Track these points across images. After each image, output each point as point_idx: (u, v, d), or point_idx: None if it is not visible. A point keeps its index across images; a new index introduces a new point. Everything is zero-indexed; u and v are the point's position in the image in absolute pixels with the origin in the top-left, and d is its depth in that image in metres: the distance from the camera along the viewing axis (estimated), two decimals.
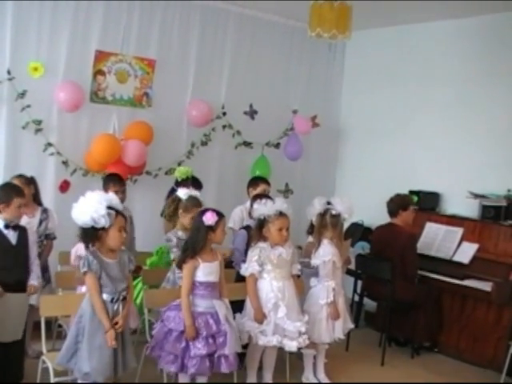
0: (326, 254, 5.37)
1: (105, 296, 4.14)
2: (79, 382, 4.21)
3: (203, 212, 4.70)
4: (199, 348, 4.56)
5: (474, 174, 6.92)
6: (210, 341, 4.60)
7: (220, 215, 4.68)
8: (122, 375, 4.36)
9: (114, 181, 5.88)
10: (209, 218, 4.60)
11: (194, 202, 5.41)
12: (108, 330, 4.08)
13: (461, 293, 6.49)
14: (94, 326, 4.09)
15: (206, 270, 4.65)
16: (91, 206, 4.04)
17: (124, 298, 4.24)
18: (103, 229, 4.08)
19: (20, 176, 5.39)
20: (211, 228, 4.62)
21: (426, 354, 6.67)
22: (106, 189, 5.55)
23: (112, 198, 4.25)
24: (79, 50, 6.34)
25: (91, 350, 4.05)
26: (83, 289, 4.53)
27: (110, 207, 4.13)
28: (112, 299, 4.16)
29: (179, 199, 5.51)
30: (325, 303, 5.37)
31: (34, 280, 4.77)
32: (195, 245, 4.64)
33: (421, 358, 6.59)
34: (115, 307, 4.17)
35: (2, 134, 6.05)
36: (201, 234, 4.64)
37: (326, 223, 5.40)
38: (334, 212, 5.38)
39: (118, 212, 4.18)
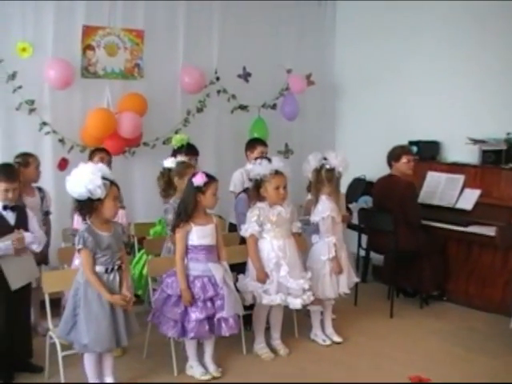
0: (324, 209, 5.37)
1: (99, 268, 4.18)
2: (87, 355, 4.28)
3: (194, 174, 4.71)
4: (197, 312, 4.60)
5: (473, 120, 6.85)
6: (208, 304, 4.64)
7: (211, 178, 4.68)
8: (128, 344, 4.43)
9: (99, 150, 5.97)
10: (197, 179, 4.59)
11: (184, 165, 5.44)
12: (109, 298, 4.12)
13: (466, 239, 6.48)
14: (89, 298, 4.14)
15: (200, 233, 4.66)
16: (86, 177, 4.03)
17: (119, 268, 4.27)
18: (99, 200, 4.08)
19: (21, 155, 5.44)
20: (200, 190, 4.61)
21: (434, 303, 6.69)
22: (90, 160, 5.57)
23: (103, 168, 4.24)
24: (66, 26, 6.30)
25: (88, 322, 4.11)
26: (77, 261, 4.57)
27: (103, 177, 4.12)
28: (106, 269, 4.19)
29: (168, 170, 5.51)
30: (327, 259, 5.39)
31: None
32: (186, 207, 4.64)
33: (430, 307, 6.61)
34: (111, 277, 4.20)
35: None
36: (190, 195, 4.64)
37: (322, 178, 5.39)
38: (328, 166, 5.37)
39: (111, 182, 4.18)
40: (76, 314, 4.16)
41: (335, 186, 5.46)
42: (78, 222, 4.94)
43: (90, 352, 4.25)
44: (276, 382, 4.71)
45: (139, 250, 5.99)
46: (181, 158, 5.58)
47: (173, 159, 5.51)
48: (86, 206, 4.13)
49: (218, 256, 4.79)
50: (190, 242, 4.66)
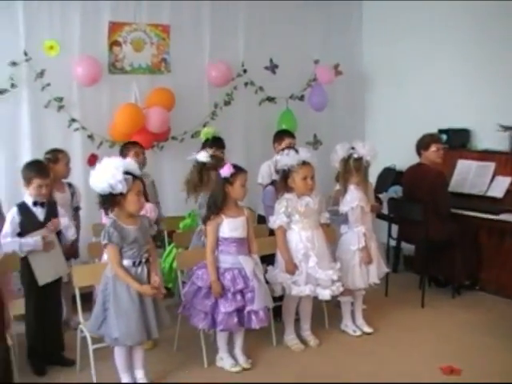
0: (353, 199, 5.35)
1: (126, 262, 4.20)
2: (118, 348, 4.33)
3: (222, 166, 4.72)
4: (226, 304, 4.62)
5: (503, 107, 6.74)
6: (238, 297, 4.65)
7: (238, 169, 4.67)
8: (159, 336, 4.45)
9: (133, 144, 5.96)
10: (225, 170, 4.61)
11: (217, 159, 5.43)
12: (139, 288, 4.14)
13: (498, 228, 6.39)
14: (118, 292, 4.17)
15: (231, 226, 4.67)
16: (108, 172, 4.05)
17: (147, 261, 4.29)
18: (121, 194, 4.10)
19: (51, 151, 5.50)
20: (228, 181, 4.62)
21: (466, 293, 6.62)
22: (124, 155, 5.60)
23: (129, 163, 4.25)
24: (92, 23, 6.37)
25: (118, 316, 4.14)
26: (106, 256, 4.61)
27: (126, 172, 4.13)
28: (134, 263, 4.22)
29: (203, 164, 5.51)
30: (356, 249, 5.37)
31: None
32: (215, 199, 4.66)
33: (461, 297, 6.54)
34: (139, 270, 4.22)
35: (25, 114, 6.15)
36: (219, 187, 4.66)
37: (350, 168, 5.36)
38: (356, 156, 5.34)
39: (135, 176, 4.19)
40: (106, 309, 4.19)
41: (363, 175, 5.43)
42: (106, 217, 4.97)
43: (120, 345, 4.28)
44: (301, 383, 4.67)
45: (169, 243, 6.02)
46: (207, 151, 5.56)
47: (205, 153, 5.48)
48: (108, 201, 4.15)
49: (248, 249, 4.80)
50: (221, 235, 4.67)
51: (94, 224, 5.85)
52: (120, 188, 4.06)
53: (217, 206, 4.64)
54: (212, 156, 5.47)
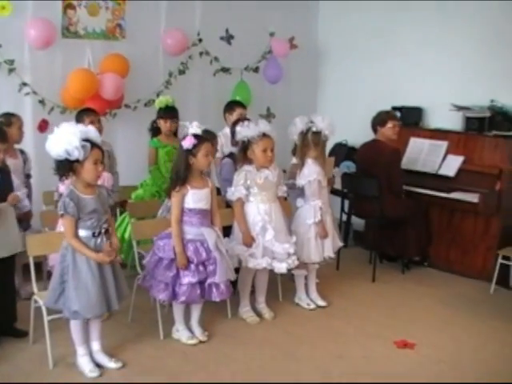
0: (310, 173, 5.34)
1: (85, 232, 4.08)
2: (74, 320, 4.22)
3: (183, 137, 4.62)
4: (189, 276, 4.57)
5: (457, 87, 6.85)
6: (201, 268, 4.61)
7: (200, 139, 4.59)
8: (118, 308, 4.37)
9: (87, 112, 5.77)
10: (186, 142, 4.52)
11: (210, 135, 5.27)
12: (95, 257, 4.04)
13: (448, 206, 6.51)
14: (77, 264, 4.06)
15: (196, 197, 4.60)
16: (65, 137, 3.92)
17: (106, 231, 4.20)
18: (78, 161, 3.98)
19: (3, 115, 5.33)
20: (191, 152, 4.54)
21: (416, 269, 6.75)
22: (79, 123, 5.42)
23: (89, 130, 4.12)
24: None
25: (78, 288, 4.04)
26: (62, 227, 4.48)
27: (85, 139, 4.01)
28: (93, 233, 4.11)
29: (195, 135, 5.31)
30: (312, 223, 5.37)
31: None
32: (178, 170, 4.57)
33: (411, 272, 6.66)
34: (98, 241, 4.12)
35: None
36: (181, 158, 4.58)
37: (308, 142, 5.35)
38: (315, 129, 5.33)
39: (93, 144, 4.06)
40: (64, 281, 4.08)
41: (321, 149, 5.42)
42: (63, 185, 4.84)
43: (80, 319, 4.18)
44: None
45: (121, 213, 5.93)
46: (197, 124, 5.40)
47: (197, 126, 5.28)
48: (64, 167, 4.00)
49: (211, 221, 4.75)
50: (186, 206, 4.60)
51: (44, 192, 5.72)
52: (76, 155, 3.93)
53: (180, 178, 4.56)
54: (204, 131, 5.32)
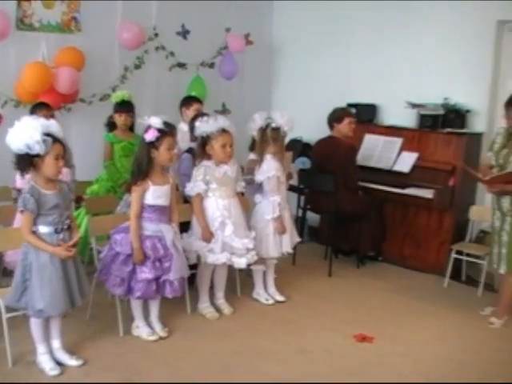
0: (269, 169, 5.36)
1: (47, 228, 4.01)
2: (34, 318, 4.15)
3: (146, 130, 4.57)
4: (146, 272, 4.54)
5: (411, 84, 6.93)
6: (157, 265, 4.58)
7: (163, 132, 4.53)
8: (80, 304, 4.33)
9: (40, 106, 5.69)
10: (149, 135, 4.47)
11: (170, 127, 5.19)
12: (52, 250, 3.97)
13: (402, 201, 6.61)
14: (40, 261, 3.99)
15: (156, 193, 4.56)
16: (26, 131, 3.85)
17: (68, 227, 4.14)
18: (38, 156, 3.91)
19: None
20: (153, 145, 4.50)
21: (371, 263, 6.84)
22: None
23: (51, 124, 4.05)
24: None
25: (42, 286, 3.98)
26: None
27: (47, 134, 3.95)
28: (56, 229, 4.04)
29: (158, 129, 5.23)
30: (271, 218, 5.40)
31: None
32: (140, 164, 4.51)
33: (366, 267, 6.75)
34: (60, 237, 4.05)
35: None
36: (143, 152, 4.53)
37: (267, 138, 5.37)
38: (274, 125, 5.35)
39: (55, 139, 3.99)
40: (26, 280, 4.00)
41: (280, 145, 5.44)
42: (21, 180, 4.75)
43: (45, 316, 4.11)
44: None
45: (76, 208, 5.86)
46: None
47: (158, 119, 5.14)
48: (24, 161, 3.92)
49: (169, 217, 4.72)
50: (146, 202, 4.55)
51: (1, 187, 5.59)
52: (37, 149, 3.86)
53: (142, 172, 4.50)
54: (165, 123, 5.25)
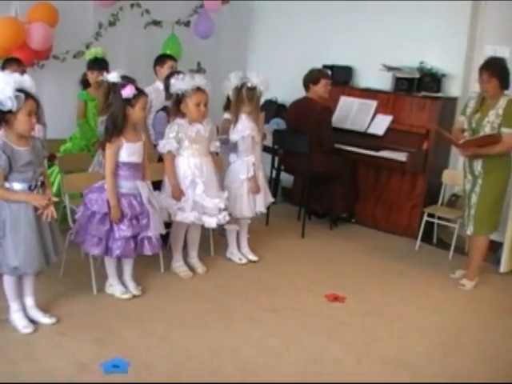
0: (244, 128, 5.35)
1: (21, 185, 3.96)
2: (7, 276, 4.13)
3: (123, 85, 4.53)
4: (124, 230, 4.53)
5: (387, 47, 6.92)
6: (134, 222, 4.57)
7: (140, 91, 4.52)
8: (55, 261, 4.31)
9: (11, 61, 5.61)
10: (127, 91, 4.42)
11: (129, 80, 5.18)
12: (27, 197, 3.93)
13: (376, 164, 6.65)
14: (15, 218, 3.95)
15: (130, 151, 4.53)
16: None
17: (42, 184, 4.10)
18: (10, 112, 3.84)
19: None
20: (129, 102, 4.45)
21: (343, 225, 6.90)
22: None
23: (24, 80, 3.98)
24: None
25: (16, 244, 3.95)
26: None
27: (20, 90, 3.89)
28: (30, 186, 4.00)
29: (113, 84, 5.15)
30: (245, 178, 5.41)
31: None
32: (115, 119, 4.46)
33: (339, 228, 6.81)
34: (31, 193, 4.01)
35: None
36: (119, 108, 4.48)
37: (243, 97, 5.35)
38: (249, 85, 5.33)
39: (28, 95, 3.93)
40: (0, 237, 3.98)
41: (255, 105, 5.42)
42: None
43: (19, 274, 4.10)
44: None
45: (49, 167, 5.80)
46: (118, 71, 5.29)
47: (116, 73, 5.20)
48: None
49: (142, 174, 4.70)
50: (120, 159, 4.51)
51: None
52: (9, 105, 3.80)
53: (117, 128, 4.46)
54: (123, 77, 5.22)
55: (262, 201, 5.57)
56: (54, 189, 5.48)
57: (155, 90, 5.93)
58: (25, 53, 6.02)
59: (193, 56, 7.57)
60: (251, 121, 5.39)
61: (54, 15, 6.22)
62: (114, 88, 4.99)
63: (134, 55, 7.12)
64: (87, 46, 6.60)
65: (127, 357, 3.89)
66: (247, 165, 5.40)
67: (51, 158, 5.81)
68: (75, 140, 6.00)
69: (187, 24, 7.54)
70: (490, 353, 4.29)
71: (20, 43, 5.96)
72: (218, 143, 5.30)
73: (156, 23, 7.28)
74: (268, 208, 6.12)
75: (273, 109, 7.63)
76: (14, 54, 5.90)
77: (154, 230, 4.62)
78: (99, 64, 5.98)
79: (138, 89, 4.52)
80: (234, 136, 5.40)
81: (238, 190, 5.43)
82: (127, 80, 4.99)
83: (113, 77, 5.13)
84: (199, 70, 7.69)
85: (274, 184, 7.26)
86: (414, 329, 4.56)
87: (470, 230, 5.32)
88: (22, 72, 5.44)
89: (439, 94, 6.54)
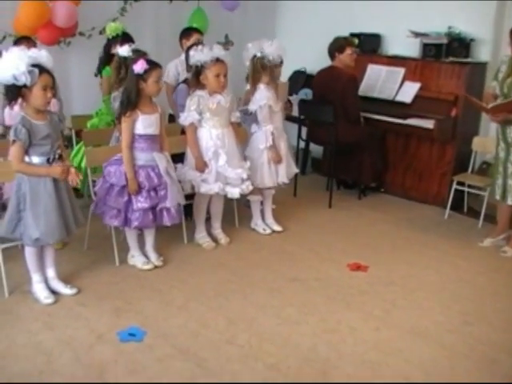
0: (261, 98, 5.33)
1: (39, 159, 4.04)
2: (29, 248, 4.22)
3: (135, 60, 4.56)
4: (141, 201, 4.58)
5: (414, 13, 6.76)
6: (152, 194, 4.62)
7: (152, 64, 4.53)
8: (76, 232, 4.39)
9: (24, 39, 5.58)
10: (138, 66, 4.45)
11: (140, 53, 5.21)
12: (48, 170, 4.02)
13: (404, 132, 6.56)
14: (34, 191, 4.03)
15: (146, 122, 4.57)
16: (12, 62, 3.84)
17: (60, 157, 4.16)
18: (26, 87, 3.90)
19: None
20: (142, 77, 4.48)
21: (372, 195, 6.84)
22: None
23: (40, 55, 4.02)
24: None
25: (37, 215, 4.03)
26: None
27: (36, 64, 3.94)
28: (48, 159, 4.07)
29: (125, 58, 5.26)
30: (264, 147, 5.40)
31: None
32: (128, 95, 4.51)
33: (367, 198, 6.75)
34: (51, 166, 4.08)
35: None
36: (132, 83, 4.51)
37: (257, 67, 5.34)
38: (260, 54, 5.31)
39: (43, 70, 3.98)
40: (20, 210, 4.05)
41: (272, 74, 5.39)
42: (9, 119, 4.77)
43: (41, 245, 4.18)
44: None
45: (77, 142, 5.88)
46: (130, 45, 5.32)
47: (127, 47, 5.25)
48: (11, 92, 3.94)
49: (160, 146, 4.73)
50: (136, 131, 4.56)
51: None
52: (24, 80, 3.86)
53: (130, 102, 4.50)
54: (134, 50, 5.24)
55: (284, 171, 5.54)
56: (83, 164, 5.53)
57: (181, 63, 5.94)
58: (50, 31, 6.06)
59: (220, 29, 7.53)
60: (269, 90, 5.36)
61: None
62: (124, 62, 5.04)
63: (160, 29, 7.12)
64: (113, 22, 6.59)
65: (144, 326, 3.96)
66: (266, 134, 5.38)
67: (79, 134, 5.88)
68: (101, 116, 6.01)
69: None
70: (511, 322, 4.22)
71: (45, 22, 6.00)
72: (238, 114, 5.29)
73: None
74: (296, 179, 6.13)
75: (301, 79, 7.58)
76: (40, 33, 5.96)
77: (172, 201, 4.65)
78: (128, 38, 5.97)
79: (150, 62, 4.54)
80: (252, 106, 5.39)
81: (258, 160, 5.42)
82: (138, 54, 5.00)
83: (123, 51, 5.15)
84: (227, 42, 7.68)
85: (303, 155, 7.25)
86: (436, 298, 4.51)
87: (510, 200, 5.22)
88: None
89: (468, 60, 6.40)
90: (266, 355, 3.69)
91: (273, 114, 5.39)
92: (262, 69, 5.31)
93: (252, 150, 5.44)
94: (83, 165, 5.46)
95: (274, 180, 5.49)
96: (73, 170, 4.16)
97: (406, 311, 4.29)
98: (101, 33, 6.60)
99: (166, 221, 4.70)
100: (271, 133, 5.36)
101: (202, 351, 3.72)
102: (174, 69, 6.08)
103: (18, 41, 5.60)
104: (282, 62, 5.45)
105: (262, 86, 5.34)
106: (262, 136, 5.38)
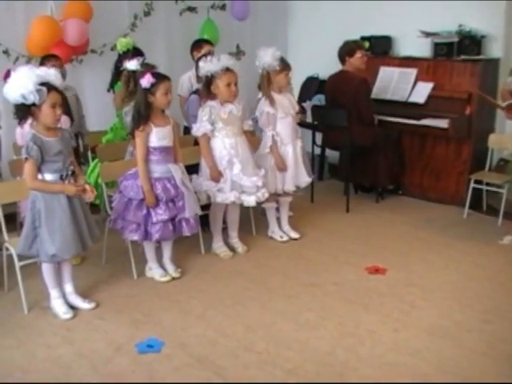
0: (260, 105, 5.40)
1: (52, 176, 4.08)
2: (46, 264, 4.25)
3: (142, 74, 4.59)
4: (161, 213, 4.61)
5: (424, 13, 6.76)
6: (170, 205, 4.64)
7: (159, 77, 4.56)
8: (87, 251, 4.45)
9: (49, 57, 5.70)
10: (144, 81, 4.48)
11: (148, 67, 5.26)
12: (62, 188, 4.06)
13: (419, 133, 6.53)
14: (49, 207, 4.07)
15: (159, 135, 4.60)
16: (20, 81, 3.89)
17: (73, 173, 4.20)
18: (35, 105, 3.94)
19: None
20: (149, 91, 4.51)
21: (390, 197, 6.80)
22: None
23: (47, 73, 4.06)
24: None
25: (52, 232, 4.06)
26: None
27: (44, 83, 3.98)
28: (61, 176, 4.11)
29: (133, 72, 5.32)
30: (266, 153, 5.41)
31: None
32: (138, 109, 4.55)
33: (385, 201, 6.72)
34: (66, 183, 4.12)
35: None
36: (141, 98, 4.55)
37: (262, 75, 5.39)
38: (257, 63, 5.36)
39: (51, 88, 4.02)
40: (36, 227, 4.08)
41: (269, 81, 5.38)
42: (21, 140, 4.83)
43: (57, 261, 4.22)
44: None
45: (93, 159, 5.92)
46: (138, 59, 5.37)
47: (136, 61, 5.30)
48: (21, 111, 3.99)
49: (174, 157, 4.75)
50: (151, 144, 4.59)
51: (14, 142, 5.67)
52: (32, 99, 3.90)
53: (142, 116, 4.53)
54: (143, 64, 5.28)
55: (290, 179, 5.50)
56: (100, 180, 5.58)
57: (194, 76, 5.97)
58: (62, 49, 6.14)
59: (231, 39, 7.59)
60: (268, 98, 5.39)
61: (87, 10, 6.32)
62: (133, 76, 5.08)
63: (171, 43, 7.19)
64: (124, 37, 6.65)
65: (162, 337, 3.96)
66: (266, 140, 5.41)
67: (94, 150, 5.93)
68: (116, 130, 6.05)
69: (223, 7, 7.52)
70: None
71: (57, 40, 6.08)
72: (250, 122, 5.31)
73: (191, 9, 7.30)
74: (312, 185, 6.12)
75: (314, 85, 7.58)
76: (53, 52, 6.02)
77: (191, 211, 4.67)
78: (139, 53, 6.02)
79: (157, 75, 4.57)
80: (256, 113, 5.45)
81: (264, 166, 5.37)
82: (147, 67, 5.04)
83: (131, 65, 5.20)
84: (238, 52, 7.72)
85: (319, 161, 7.24)
86: (456, 297, 4.47)
87: None
88: (61, 66, 5.61)
89: (480, 57, 6.36)
90: (284, 361, 3.69)
91: (278, 120, 5.40)
92: (262, 77, 5.36)
93: (259, 156, 5.43)
94: (100, 180, 5.51)
95: (277, 186, 5.47)
96: (88, 187, 4.20)
97: (424, 312, 4.26)
98: (112, 49, 6.68)
99: (186, 231, 4.73)
100: (273, 139, 5.37)
101: (219, 359, 3.72)
102: (188, 81, 6.11)
103: (46, 58, 5.68)
104: (285, 69, 5.41)
105: (260, 94, 5.41)
106: (264, 141, 5.43)
